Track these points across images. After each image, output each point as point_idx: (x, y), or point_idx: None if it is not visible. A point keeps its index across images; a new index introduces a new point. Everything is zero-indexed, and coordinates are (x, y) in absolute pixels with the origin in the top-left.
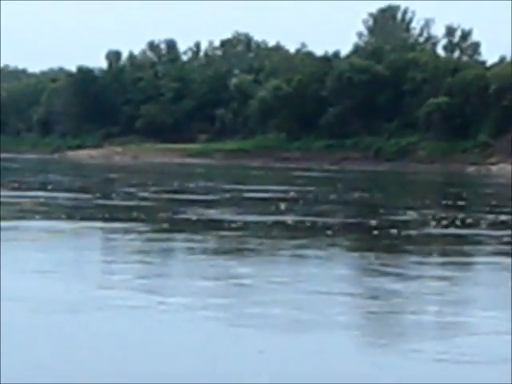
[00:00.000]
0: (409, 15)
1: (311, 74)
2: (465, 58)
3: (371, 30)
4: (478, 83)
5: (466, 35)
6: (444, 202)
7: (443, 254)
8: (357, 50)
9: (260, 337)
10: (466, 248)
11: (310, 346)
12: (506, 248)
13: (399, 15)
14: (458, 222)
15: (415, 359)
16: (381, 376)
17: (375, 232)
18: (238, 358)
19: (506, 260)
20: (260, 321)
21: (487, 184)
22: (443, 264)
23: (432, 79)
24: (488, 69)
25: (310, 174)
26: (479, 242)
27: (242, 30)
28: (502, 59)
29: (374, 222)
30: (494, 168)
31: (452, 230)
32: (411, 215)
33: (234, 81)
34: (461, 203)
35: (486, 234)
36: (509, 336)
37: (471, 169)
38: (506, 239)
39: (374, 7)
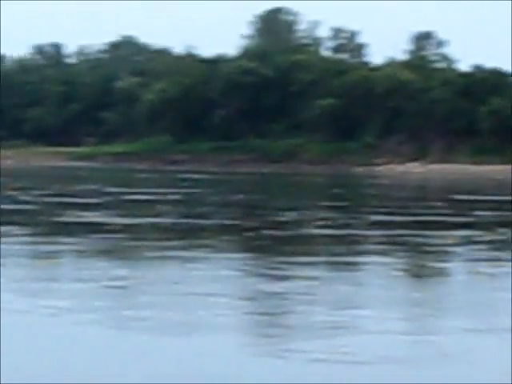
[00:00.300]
0: (295, 17)
1: (198, 76)
2: (351, 60)
3: (258, 33)
4: (364, 85)
5: (352, 37)
6: (326, 203)
7: (317, 254)
8: (243, 52)
9: (139, 339)
10: (340, 248)
11: (187, 348)
12: (381, 248)
13: (286, 17)
14: (336, 223)
15: (292, 359)
16: (253, 376)
17: (251, 233)
18: (114, 359)
19: (381, 259)
20: (138, 323)
21: (371, 185)
22: (315, 264)
23: (318, 81)
24: (374, 70)
25: (196, 176)
26: (354, 242)
27: (129, 32)
28: (389, 61)
29: (251, 224)
30: (380, 169)
31: (329, 231)
32: (291, 216)
33: (120, 84)
34: (342, 204)
35: (362, 234)
36: (388, 335)
37: (358, 170)
38: (381, 239)
39: (261, 9)
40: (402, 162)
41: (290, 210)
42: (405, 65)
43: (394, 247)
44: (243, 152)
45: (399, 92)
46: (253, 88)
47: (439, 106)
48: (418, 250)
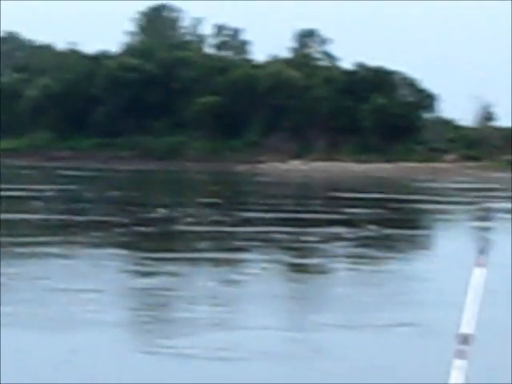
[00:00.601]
0: (179, 14)
1: (81, 72)
2: (234, 57)
3: (141, 29)
4: (247, 82)
5: (235, 34)
6: (201, 200)
7: (183, 250)
8: (126, 49)
9: (10, 335)
10: (207, 245)
11: (59, 344)
12: (246, 244)
13: (169, 14)
14: (207, 220)
15: (164, 355)
16: (123, 373)
17: (122, 230)
18: None
19: (245, 256)
20: (9, 319)
21: (251, 182)
22: (181, 260)
23: (201, 78)
24: (258, 68)
25: (77, 173)
26: (221, 239)
27: (12, 28)
28: (272, 58)
29: (123, 220)
30: (263, 166)
31: (198, 228)
32: (163, 213)
33: (2, 80)
34: (217, 201)
35: (230, 231)
36: (262, 331)
37: (241, 168)
38: (248, 236)
39: (144, 6)
40: (285, 160)
41: (164, 206)
42: (288, 62)
43: (260, 244)
44: (127, 149)
45: (282, 90)
46: (136, 85)
47: (322, 103)
48: (283, 246)
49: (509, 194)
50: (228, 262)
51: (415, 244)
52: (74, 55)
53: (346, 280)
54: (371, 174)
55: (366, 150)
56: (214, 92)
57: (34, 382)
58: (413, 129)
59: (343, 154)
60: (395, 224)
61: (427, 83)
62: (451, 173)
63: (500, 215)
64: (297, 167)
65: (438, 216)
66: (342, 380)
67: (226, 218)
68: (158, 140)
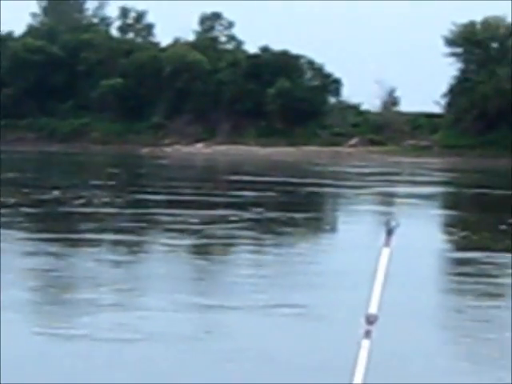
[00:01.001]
0: None
1: None
2: (139, 40)
3: (46, 11)
4: (152, 65)
5: (140, 17)
6: (97, 182)
7: (66, 231)
8: (30, 30)
9: None
10: (89, 226)
11: None
12: (127, 225)
13: None
14: (96, 201)
15: (54, 337)
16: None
17: (9, 210)
18: None
19: (123, 237)
20: None
21: (151, 165)
22: (59, 241)
23: (106, 60)
24: (162, 51)
25: None
26: (103, 220)
27: None
28: (177, 41)
29: (11, 201)
30: (167, 149)
31: (86, 209)
32: (54, 194)
33: None
34: (112, 183)
35: (115, 212)
36: (151, 312)
37: (145, 150)
38: (131, 218)
39: None
40: (189, 143)
41: (58, 188)
42: (193, 45)
43: (144, 225)
44: (31, 130)
45: (187, 73)
46: (40, 66)
47: (227, 87)
48: (163, 228)
49: (410, 178)
50: (109, 242)
51: (301, 226)
52: None
53: (228, 262)
54: (274, 157)
55: (270, 134)
56: (119, 74)
57: None
58: (317, 113)
59: (247, 137)
60: (284, 207)
61: (333, 67)
62: (354, 157)
63: (400, 200)
64: (200, 150)
65: (334, 199)
66: (231, 358)
67: (117, 200)
68: (61, 122)
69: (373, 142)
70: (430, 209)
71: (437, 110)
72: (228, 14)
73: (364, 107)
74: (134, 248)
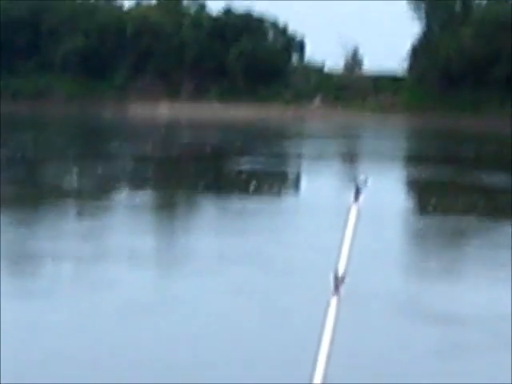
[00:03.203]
0: None
1: None
2: (102, 2)
3: None
4: (114, 26)
5: None
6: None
7: None
8: None
9: None
10: None
11: None
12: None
13: None
14: None
15: None
16: None
17: None
18: None
19: None
20: None
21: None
22: None
23: (69, 21)
24: (126, 13)
25: None
26: None
27: None
28: (139, 3)
29: None
30: (130, 109)
31: None
32: None
33: None
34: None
35: None
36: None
37: (108, 110)
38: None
39: None
40: (153, 103)
41: None
42: (155, 7)
43: None
44: None
45: (149, 33)
46: (3, 27)
47: (189, 47)
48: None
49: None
50: None
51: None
52: None
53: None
54: (237, 116)
55: (233, 93)
56: (82, 35)
57: None
58: (280, 73)
59: (211, 96)
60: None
61: (296, 27)
62: (317, 116)
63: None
64: (163, 110)
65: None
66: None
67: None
68: (25, 82)
69: (335, 102)
70: None
71: (400, 71)
72: None
73: (328, 65)
74: None
